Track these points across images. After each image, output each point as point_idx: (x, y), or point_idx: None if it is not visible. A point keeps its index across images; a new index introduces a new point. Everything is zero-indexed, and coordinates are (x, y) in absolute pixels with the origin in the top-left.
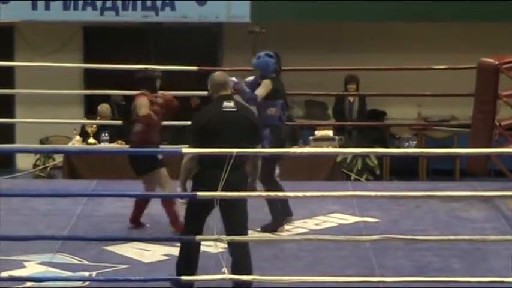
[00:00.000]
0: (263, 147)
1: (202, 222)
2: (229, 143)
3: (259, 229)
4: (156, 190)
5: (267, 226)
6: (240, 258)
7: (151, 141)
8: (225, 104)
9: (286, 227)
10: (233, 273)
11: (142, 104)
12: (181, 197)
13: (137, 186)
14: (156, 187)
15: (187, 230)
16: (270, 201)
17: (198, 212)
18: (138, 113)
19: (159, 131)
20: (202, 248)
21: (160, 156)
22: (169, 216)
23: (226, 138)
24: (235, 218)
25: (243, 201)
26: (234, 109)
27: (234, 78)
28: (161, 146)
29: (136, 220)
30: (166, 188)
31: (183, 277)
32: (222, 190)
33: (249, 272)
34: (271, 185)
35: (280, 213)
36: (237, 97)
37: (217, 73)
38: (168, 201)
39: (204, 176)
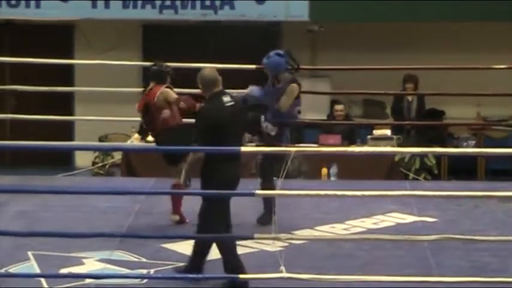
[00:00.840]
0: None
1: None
2: (237, 136)
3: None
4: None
5: (263, 219)
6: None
7: (181, 124)
8: (225, 99)
9: (343, 226)
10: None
11: (168, 92)
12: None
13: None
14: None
15: (220, 227)
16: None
17: (224, 207)
18: (169, 99)
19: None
20: (260, 247)
21: None
22: (173, 206)
23: (235, 132)
24: None
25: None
26: (232, 103)
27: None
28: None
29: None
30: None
31: (240, 276)
32: (237, 181)
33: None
34: (269, 183)
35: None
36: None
37: (207, 70)
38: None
39: (218, 171)
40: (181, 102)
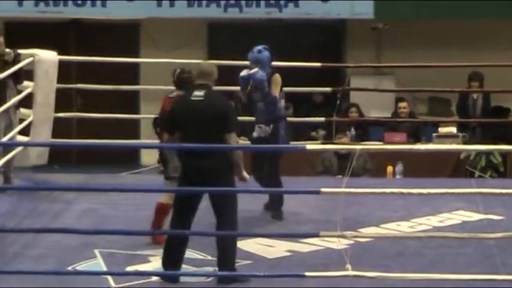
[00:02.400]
0: (278, 139)
1: (190, 215)
2: (195, 131)
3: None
4: None
5: (276, 215)
6: (223, 251)
7: None
8: (195, 93)
9: (409, 224)
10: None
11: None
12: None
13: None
14: None
15: (176, 222)
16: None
17: (184, 204)
18: None
19: None
20: (326, 244)
21: None
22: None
23: (191, 126)
24: (225, 209)
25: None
26: (202, 98)
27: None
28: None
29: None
30: None
31: (306, 273)
32: (196, 177)
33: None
34: (274, 180)
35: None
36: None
37: (204, 63)
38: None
39: (181, 165)
40: None
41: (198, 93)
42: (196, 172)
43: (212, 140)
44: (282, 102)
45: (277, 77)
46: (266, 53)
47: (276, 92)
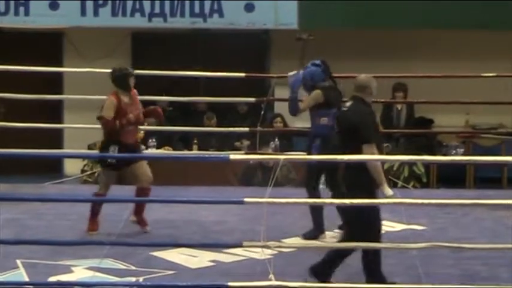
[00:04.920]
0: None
1: None
2: (337, 141)
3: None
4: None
5: (309, 233)
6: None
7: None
8: (346, 104)
9: (331, 233)
10: None
11: (107, 106)
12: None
13: (185, 192)
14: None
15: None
16: (313, 208)
17: None
18: (103, 114)
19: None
20: (249, 255)
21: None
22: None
23: (337, 135)
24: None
25: None
26: (346, 109)
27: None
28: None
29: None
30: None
31: (229, 283)
32: None
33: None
34: (312, 193)
35: (321, 221)
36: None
37: (361, 76)
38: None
39: None
40: (130, 115)
41: (347, 105)
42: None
43: (347, 150)
44: (323, 120)
45: (316, 92)
46: (310, 70)
47: (303, 105)
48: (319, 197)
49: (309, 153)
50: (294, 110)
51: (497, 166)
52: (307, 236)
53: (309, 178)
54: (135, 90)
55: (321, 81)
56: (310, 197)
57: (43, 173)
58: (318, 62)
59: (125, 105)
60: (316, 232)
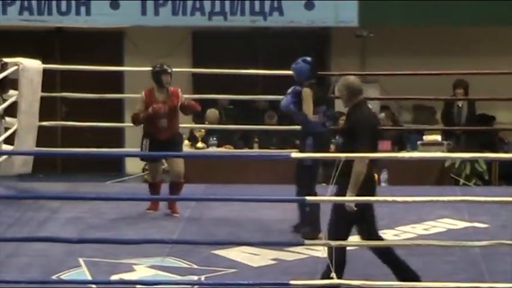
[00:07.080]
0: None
1: None
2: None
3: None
4: None
5: (308, 234)
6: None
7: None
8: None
9: (394, 232)
10: None
11: (138, 101)
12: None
13: (245, 190)
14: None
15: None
16: (310, 209)
17: None
18: None
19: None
20: (311, 253)
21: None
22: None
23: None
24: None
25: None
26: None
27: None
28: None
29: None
30: None
31: (291, 282)
32: None
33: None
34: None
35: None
36: None
37: (352, 78)
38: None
39: None
40: (154, 105)
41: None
42: None
43: (346, 151)
44: (313, 118)
45: (305, 92)
46: (300, 65)
47: (306, 108)
48: (316, 195)
49: (302, 152)
50: (306, 120)
51: None
52: (308, 236)
53: (307, 177)
54: (177, 88)
55: (306, 78)
56: (307, 195)
57: (104, 171)
58: (308, 59)
59: (156, 102)
60: (315, 232)
